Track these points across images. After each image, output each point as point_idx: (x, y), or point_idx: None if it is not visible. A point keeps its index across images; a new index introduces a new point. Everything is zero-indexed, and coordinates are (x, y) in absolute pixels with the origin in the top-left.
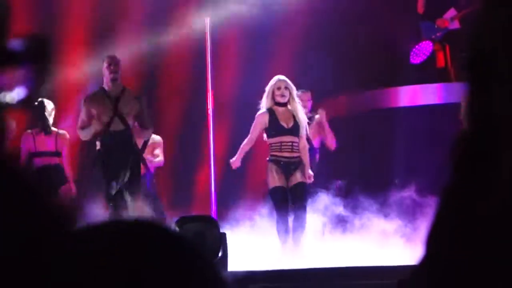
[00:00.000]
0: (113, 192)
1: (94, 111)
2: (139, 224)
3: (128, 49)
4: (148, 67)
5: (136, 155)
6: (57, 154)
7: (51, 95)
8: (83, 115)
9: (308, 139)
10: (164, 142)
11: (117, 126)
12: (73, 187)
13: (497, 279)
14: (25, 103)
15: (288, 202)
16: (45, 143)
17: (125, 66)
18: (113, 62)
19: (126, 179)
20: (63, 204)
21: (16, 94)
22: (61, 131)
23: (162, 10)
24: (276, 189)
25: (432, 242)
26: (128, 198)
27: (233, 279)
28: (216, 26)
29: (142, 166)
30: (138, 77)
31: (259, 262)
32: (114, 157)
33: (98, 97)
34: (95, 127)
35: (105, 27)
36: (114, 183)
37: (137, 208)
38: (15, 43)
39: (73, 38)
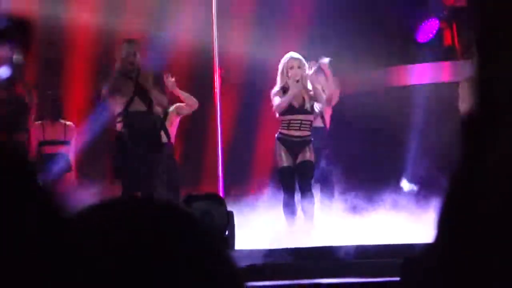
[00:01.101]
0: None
1: (118, 97)
2: (149, 203)
3: (132, 25)
4: (151, 42)
5: (158, 144)
6: (65, 143)
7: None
8: (113, 105)
9: (322, 117)
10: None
11: (138, 106)
12: (76, 175)
13: (496, 279)
14: (10, 81)
15: (295, 182)
16: (54, 132)
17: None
18: (131, 53)
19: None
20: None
21: (1, 72)
22: (68, 122)
23: None
24: (283, 169)
25: (438, 232)
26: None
27: (246, 256)
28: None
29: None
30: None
31: (267, 240)
32: (134, 141)
33: (118, 81)
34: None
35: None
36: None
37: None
38: None
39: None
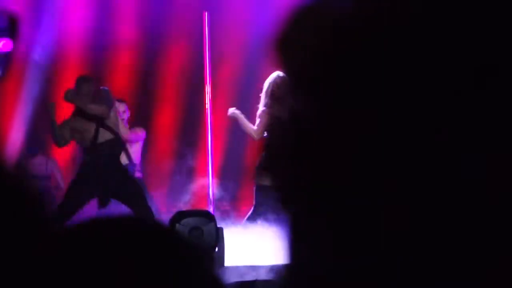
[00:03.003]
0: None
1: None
2: (136, 222)
3: (124, 41)
4: (145, 61)
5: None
6: (47, 178)
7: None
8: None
9: None
10: (161, 137)
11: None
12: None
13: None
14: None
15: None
16: (36, 167)
17: (121, 58)
18: (90, 91)
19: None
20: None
21: None
22: (51, 157)
23: (161, 2)
24: (264, 187)
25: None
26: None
27: (236, 273)
28: (215, 19)
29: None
30: (134, 71)
31: (257, 257)
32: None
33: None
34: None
35: (100, 24)
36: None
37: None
38: None
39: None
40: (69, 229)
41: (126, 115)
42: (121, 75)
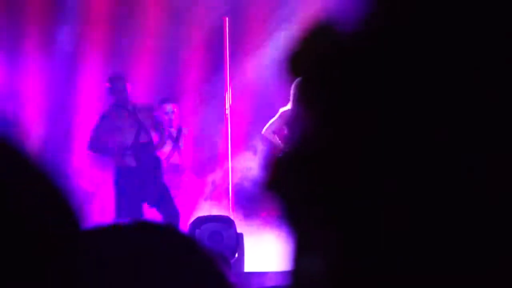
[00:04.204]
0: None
1: (117, 125)
2: (149, 227)
3: (145, 47)
4: (164, 66)
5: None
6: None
7: None
8: (101, 131)
9: None
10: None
11: (144, 137)
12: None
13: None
14: None
15: None
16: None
17: (141, 64)
18: (119, 87)
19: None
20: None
21: None
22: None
23: (181, 7)
24: None
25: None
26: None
27: (256, 278)
28: (235, 23)
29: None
30: (153, 76)
31: (276, 263)
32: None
33: (118, 112)
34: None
35: (121, 26)
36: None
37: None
38: None
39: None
40: (86, 233)
41: (174, 115)
42: (141, 80)
